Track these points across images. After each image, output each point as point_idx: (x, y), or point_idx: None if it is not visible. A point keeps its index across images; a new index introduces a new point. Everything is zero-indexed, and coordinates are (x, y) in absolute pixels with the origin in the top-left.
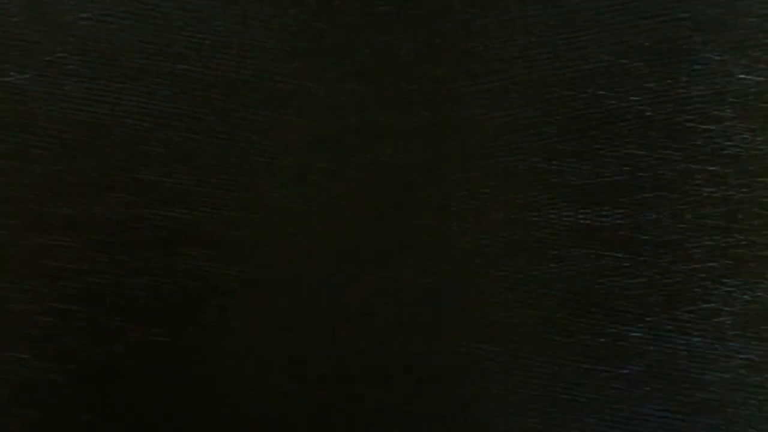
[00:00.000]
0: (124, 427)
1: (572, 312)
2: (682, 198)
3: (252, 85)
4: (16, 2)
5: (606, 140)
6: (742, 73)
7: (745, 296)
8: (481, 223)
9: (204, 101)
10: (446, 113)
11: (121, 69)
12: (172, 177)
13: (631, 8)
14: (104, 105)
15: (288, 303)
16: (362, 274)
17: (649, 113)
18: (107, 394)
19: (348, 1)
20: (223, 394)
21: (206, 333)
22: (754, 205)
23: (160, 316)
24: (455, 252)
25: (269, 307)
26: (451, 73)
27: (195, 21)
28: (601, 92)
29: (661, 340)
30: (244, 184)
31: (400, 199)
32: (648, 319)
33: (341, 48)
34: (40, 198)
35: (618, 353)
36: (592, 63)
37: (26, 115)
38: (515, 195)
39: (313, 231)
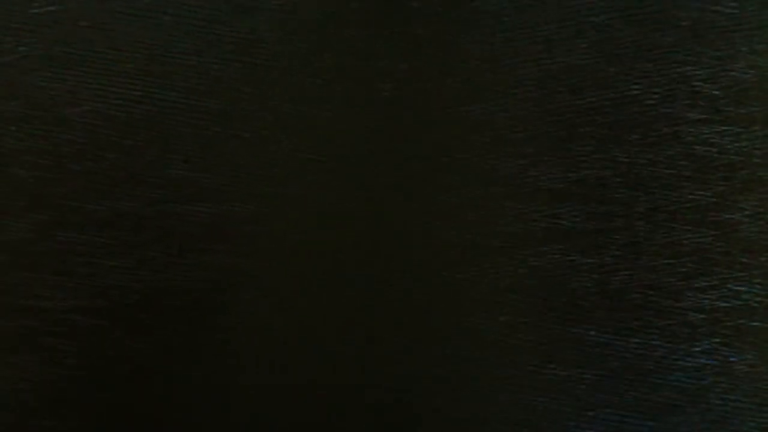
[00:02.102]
0: (151, 421)
1: (540, 313)
2: (652, 199)
3: (280, 83)
4: None
5: (577, 141)
6: (711, 78)
7: (715, 297)
8: (452, 224)
9: (232, 99)
10: (418, 113)
11: (150, 66)
12: (201, 174)
13: (605, 9)
14: (134, 102)
15: (302, 298)
16: (352, 272)
17: (620, 115)
18: (134, 390)
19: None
20: (253, 388)
21: (235, 329)
22: (725, 206)
23: (189, 312)
24: (428, 252)
25: (300, 302)
26: (422, 72)
27: (219, 21)
28: (573, 93)
29: (630, 340)
30: (272, 181)
31: (379, 199)
32: (617, 319)
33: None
34: (68, 194)
35: (587, 354)
36: (563, 64)
37: (54, 112)
38: (486, 195)
39: (319, 228)
